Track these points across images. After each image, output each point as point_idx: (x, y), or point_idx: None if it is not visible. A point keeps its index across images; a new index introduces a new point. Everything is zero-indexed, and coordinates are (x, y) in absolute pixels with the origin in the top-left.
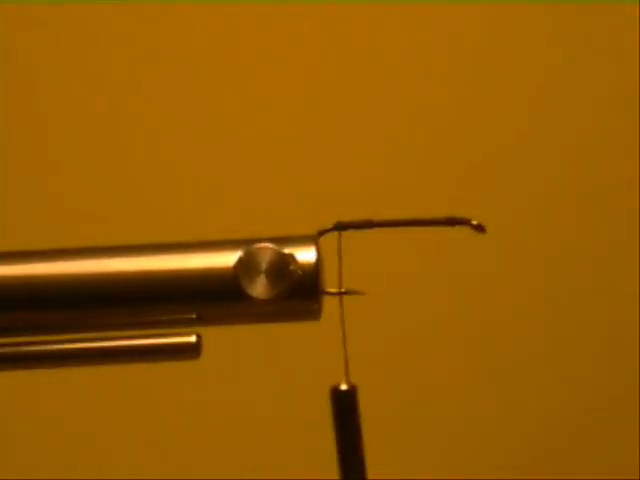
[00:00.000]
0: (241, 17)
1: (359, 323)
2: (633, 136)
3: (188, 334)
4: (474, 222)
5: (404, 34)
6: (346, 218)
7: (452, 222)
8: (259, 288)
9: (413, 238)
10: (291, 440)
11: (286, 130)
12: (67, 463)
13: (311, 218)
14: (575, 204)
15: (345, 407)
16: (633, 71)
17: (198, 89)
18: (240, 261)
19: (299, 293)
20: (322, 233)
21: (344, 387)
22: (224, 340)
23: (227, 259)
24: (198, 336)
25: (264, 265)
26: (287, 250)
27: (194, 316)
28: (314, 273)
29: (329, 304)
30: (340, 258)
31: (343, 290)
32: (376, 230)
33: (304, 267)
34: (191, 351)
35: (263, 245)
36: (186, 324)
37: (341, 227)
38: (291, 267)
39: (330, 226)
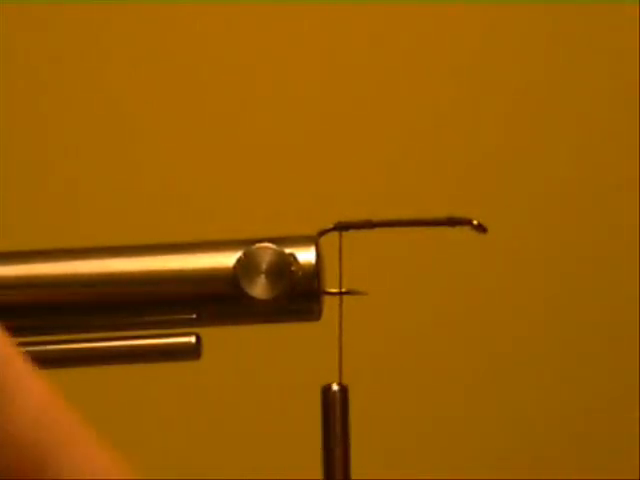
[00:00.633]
0: (241, 17)
1: (359, 323)
2: (633, 136)
3: (188, 335)
4: (475, 222)
5: (404, 34)
6: (346, 218)
7: (453, 222)
8: (259, 288)
9: (413, 238)
10: (291, 440)
11: (286, 130)
12: None
13: (311, 218)
14: (575, 204)
15: (334, 407)
16: (633, 71)
17: (198, 90)
18: (240, 261)
19: (299, 293)
20: (322, 233)
21: (335, 387)
22: (224, 340)
23: (227, 259)
24: (198, 337)
25: (264, 265)
26: (287, 250)
27: (194, 316)
28: (314, 273)
29: (329, 304)
30: (340, 258)
31: (343, 290)
32: (376, 230)
33: (304, 267)
34: (191, 352)
35: (263, 245)
36: (186, 324)
37: (341, 227)
38: (291, 267)
39: (330, 226)
